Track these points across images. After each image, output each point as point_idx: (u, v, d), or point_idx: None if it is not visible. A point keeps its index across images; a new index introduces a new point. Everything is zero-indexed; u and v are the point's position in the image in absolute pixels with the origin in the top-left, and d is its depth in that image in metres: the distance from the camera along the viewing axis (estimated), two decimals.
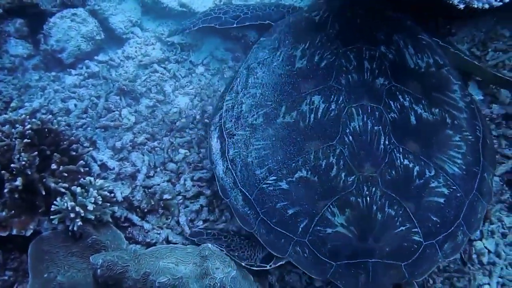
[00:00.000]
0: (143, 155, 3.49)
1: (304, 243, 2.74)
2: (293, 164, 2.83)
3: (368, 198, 2.71)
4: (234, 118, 3.13)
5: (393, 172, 2.78)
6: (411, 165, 2.81)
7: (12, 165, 2.79)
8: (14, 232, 2.94)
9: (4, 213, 2.90)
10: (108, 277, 2.63)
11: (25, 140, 2.83)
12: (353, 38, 3.16)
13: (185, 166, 3.50)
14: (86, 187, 2.96)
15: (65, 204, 2.84)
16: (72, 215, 2.85)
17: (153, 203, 3.24)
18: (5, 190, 2.81)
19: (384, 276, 2.69)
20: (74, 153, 3.13)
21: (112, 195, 3.14)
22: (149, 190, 3.31)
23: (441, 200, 2.80)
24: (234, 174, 2.98)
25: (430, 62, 3.22)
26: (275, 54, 3.27)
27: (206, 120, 3.67)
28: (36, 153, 2.86)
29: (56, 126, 3.08)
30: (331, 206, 2.72)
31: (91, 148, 3.31)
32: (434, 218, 2.77)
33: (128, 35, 4.19)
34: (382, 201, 2.72)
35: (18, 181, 2.80)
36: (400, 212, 2.72)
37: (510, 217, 3.38)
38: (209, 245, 2.87)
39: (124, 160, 3.46)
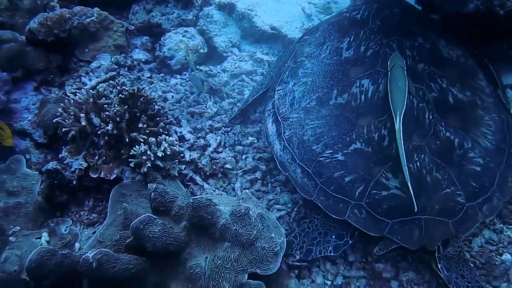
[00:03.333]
0: (217, 136, 4.06)
1: (361, 206, 3.07)
2: (348, 138, 3.20)
3: (418, 163, 3.06)
4: (287, 104, 3.57)
5: (438, 142, 3.14)
6: (452, 137, 3.16)
7: (106, 113, 3.54)
8: (102, 175, 3.61)
9: (98, 160, 3.64)
10: (160, 202, 3.08)
11: (120, 95, 3.57)
12: (394, 31, 3.57)
13: (250, 149, 3.99)
14: (160, 141, 3.59)
15: (140, 149, 3.48)
16: (144, 157, 3.47)
17: (215, 167, 3.76)
18: (98, 132, 3.54)
19: (435, 231, 3.00)
20: (159, 119, 3.81)
21: (182, 155, 3.73)
22: (215, 160, 3.84)
23: (478, 169, 3.14)
24: (292, 151, 3.38)
25: (459, 54, 3.59)
26: (321, 48, 3.70)
27: None
28: (126, 106, 3.57)
29: (148, 95, 3.81)
30: (385, 172, 3.07)
31: (173, 120, 3.99)
32: (474, 184, 3.11)
33: (228, 54, 4.95)
34: (430, 166, 3.05)
35: (109, 126, 3.50)
36: (446, 176, 3.06)
37: None
38: (247, 191, 3.28)
39: (201, 138, 4.04)
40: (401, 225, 3.01)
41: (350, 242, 3.17)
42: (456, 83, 3.37)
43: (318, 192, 3.20)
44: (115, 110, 3.50)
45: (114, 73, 4.50)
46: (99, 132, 3.52)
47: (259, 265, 2.91)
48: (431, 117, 3.20)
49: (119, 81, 3.74)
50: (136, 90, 3.70)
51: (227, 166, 3.78)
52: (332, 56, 3.60)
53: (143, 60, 4.82)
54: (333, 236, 3.21)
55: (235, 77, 4.75)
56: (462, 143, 3.17)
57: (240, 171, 3.83)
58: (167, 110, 4.12)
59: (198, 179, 3.72)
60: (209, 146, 3.94)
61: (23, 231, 3.50)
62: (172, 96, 4.42)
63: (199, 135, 4.06)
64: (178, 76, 4.75)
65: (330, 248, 3.18)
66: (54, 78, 4.46)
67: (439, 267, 3.06)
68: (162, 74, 4.76)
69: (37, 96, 4.28)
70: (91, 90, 3.63)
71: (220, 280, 2.81)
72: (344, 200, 3.11)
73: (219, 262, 2.85)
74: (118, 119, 3.52)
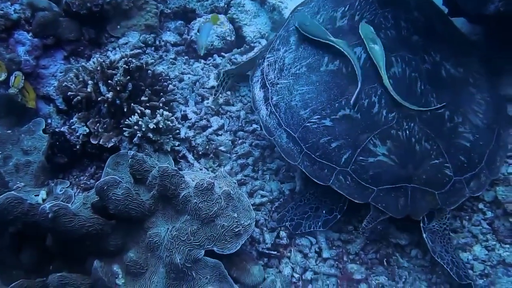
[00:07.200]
0: (221, 119, 4.06)
1: (347, 172, 3.02)
2: (337, 104, 3.14)
3: (407, 131, 3.01)
4: (276, 70, 3.48)
5: (429, 112, 3.05)
6: (443, 109, 3.08)
7: (109, 81, 3.65)
8: (101, 142, 3.73)
9: (100, 127, 3.76)
10: (136, 170, 3.13)
11: (124, 66, 3.67)
12: (389, 3, 3.45)
13: (250, 136, 3.95)
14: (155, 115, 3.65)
15: (133, 120, 3.55)
16: (136, 127, 3.55)
17: (208, 148, 3.75)
18: (99, 99, 3.67)
19: (421, 200, 2.96)
20: (162, 94, 3.88)
21: (178, 131, 3.76)
22: (211, 141, 3.84)
23: (467, 144, 3.11)
24: (278, 116, 3.31)
25: (454, 33, 3.56)
26: (315, 17, 3.58)
27: None
28: (129, 77, 3.67)
29: (155, 70, 3.88)
30: (373, 138, 3.02)
31: (181, 99, 4.03)
32: (462, 158, 3.07)
33: (255, 44, 4.93)
34: (420, 135, 3.01)
35: (110, 94, 3.63)
36: (435, 147, 3.02)
37: None
38: (223, 169, 3.26)
39: (204, 119, 4.06)
40: (387, 192, 2.94)
41: (339, 216, 3.15)
42: (450, 59, 3.31)
43: (303, 157, 3.14)
44: (117, 80, 3.60)
45: (139, 50, 4.63)
46: (99, 99, 3.64)
47: (217, 243, 2.87)
48: (422, 87, 3.14)
49: (127, 53, 3.83)
50: (144, 64, 3.79)
51: (221, 148, 3.76)
52: (326, 25, 3.50)
53: (172, 42, 4.92)
54: (324, 211, 3.20)
55: None
56: (453, 116, 3.12)
57: (234, 155, 3.79)
58: (177, 88, 4.18)
59: (190, 157, 3.73)
60: (210, 127, 3.94)
61: (26, 187, 3.66)
62: (189, 78, 4.47)
63: (204, 116, 4.07)
64: (202, 60, 4.78)
65: (320, 223, 3.18)
66: (84, 50, 4.67)
67: (424, 237, 2.96)
68: (186, 57, 4.82)
69: (66, 65, 4.50)
70: (99, 59, 3.74)
71: (173, 251, 2.80)
72: (329, 166, 3.05)
73: (175, 233, 2.84)
74: (118, 89, 3.61)
